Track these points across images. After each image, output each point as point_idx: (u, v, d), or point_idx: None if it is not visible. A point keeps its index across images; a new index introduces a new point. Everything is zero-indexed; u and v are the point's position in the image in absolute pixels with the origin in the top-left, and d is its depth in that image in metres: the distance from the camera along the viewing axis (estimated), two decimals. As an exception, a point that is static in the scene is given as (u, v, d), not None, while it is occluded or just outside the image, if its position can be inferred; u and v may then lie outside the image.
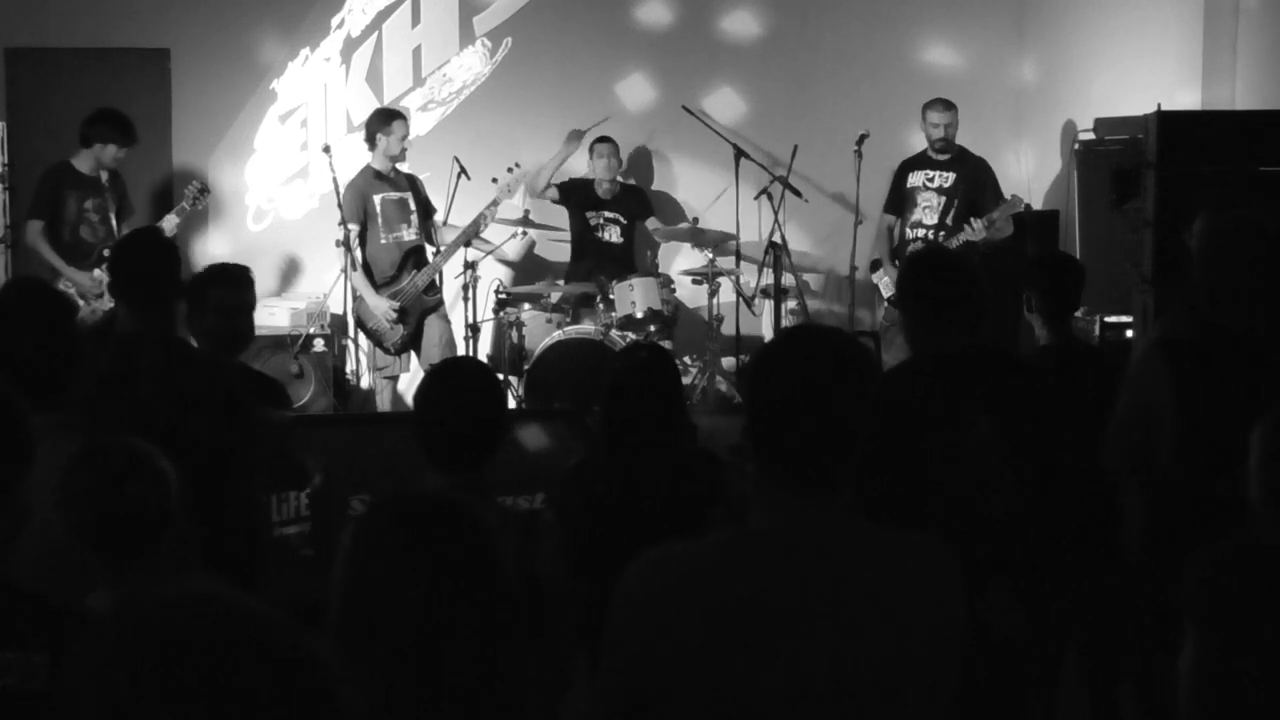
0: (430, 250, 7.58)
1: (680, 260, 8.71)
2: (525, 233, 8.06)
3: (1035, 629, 3.52)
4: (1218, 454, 3.04)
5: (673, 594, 1.93)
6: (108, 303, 6.97)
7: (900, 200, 7.62)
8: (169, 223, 7.03)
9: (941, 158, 7.49)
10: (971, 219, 7.24)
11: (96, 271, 6.98)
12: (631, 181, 8.48)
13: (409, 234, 7.43)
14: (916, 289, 3.52)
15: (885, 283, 7.50)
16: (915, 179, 7.55)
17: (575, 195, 8.13)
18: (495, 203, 7.40)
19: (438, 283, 7.54)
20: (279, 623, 1.21)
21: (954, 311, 3.46)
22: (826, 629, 1.86)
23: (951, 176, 7.46)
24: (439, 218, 7.64)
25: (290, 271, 8.75)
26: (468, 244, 7.42)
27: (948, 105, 7.49)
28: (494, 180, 7.51)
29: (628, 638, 1.96)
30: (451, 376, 2.97)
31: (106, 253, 7.00)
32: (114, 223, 7.10)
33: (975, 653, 2.10)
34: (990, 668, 3.05)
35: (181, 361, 3.60)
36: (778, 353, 2.02)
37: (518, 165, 7.62)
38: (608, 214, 8.11)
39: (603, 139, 8.09)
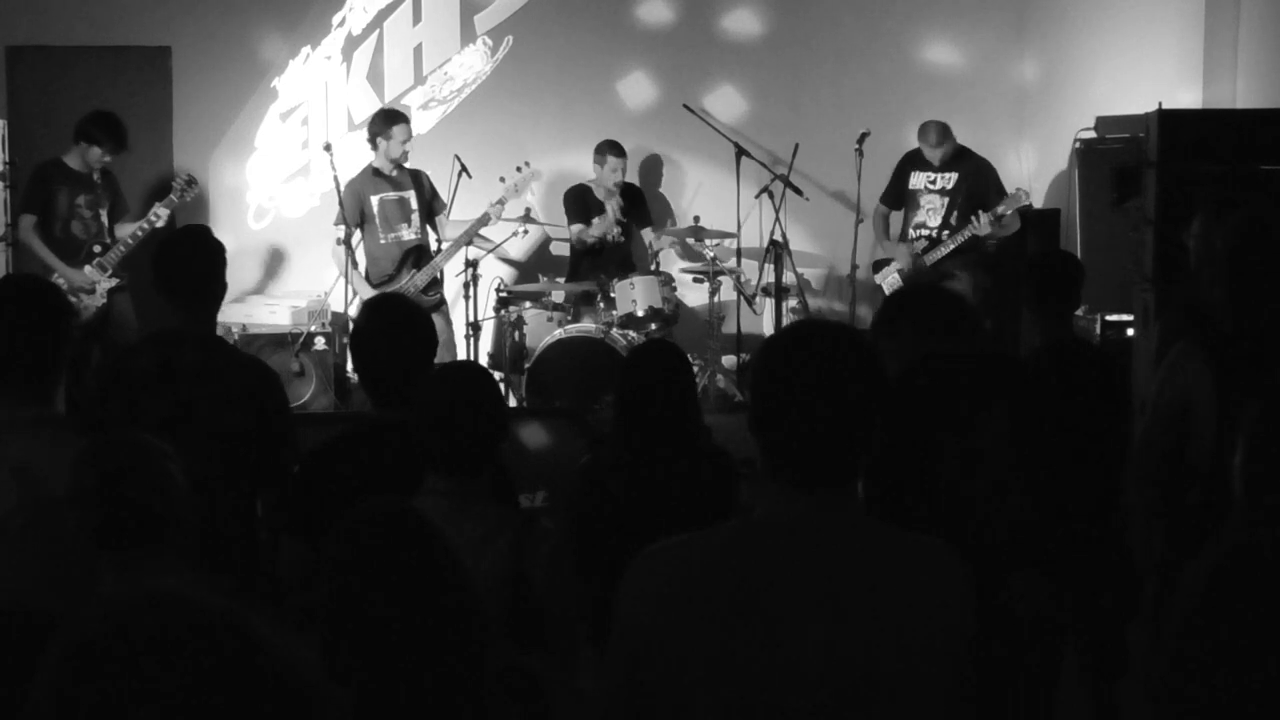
0: (432, 247, 7.57)
1: (681, 259, 8.71)
2: (526, 231, 8.05)
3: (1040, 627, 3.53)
4: None
5: (670, 585, 1.93)
6: (99, 299, 6.99)
7: (901, 197, 7.61)
8: (159, 215, 7.01)
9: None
10: (979, 212, 7.22)
11: (88, 268, 6.99)
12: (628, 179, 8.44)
13: (408, 233, 7.42)
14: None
15: (889, 282, 7.49)
16: (917, 180, 7.53)
17: (576, 205, 8.10)
18: (502, 202, 7.38)
19: (439, 279, 7.53)
20: (250, 623, 1.19)
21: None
22: (821, 619, 1.86)
23: (953, 177, 7.44)
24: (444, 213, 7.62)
25: (291, 270, 8.75)
26: (469, 243, 7.42)
27: (942, 133, 7.38)
28: (501, 179, 7.49)
29: (629, 631, 1.96)
30: (451, 382, 2.96)
31: (97, 249, 7.03)
32: (105, 219, 7.10)
33: (995, 650, 2.08)
34: (1017, 655, 3.06)
35: (222, 361, 3.59)
36: (782, 346, 1.99)
37: (527, 164, 7.58)
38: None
39: (616, 148, 8.00)
